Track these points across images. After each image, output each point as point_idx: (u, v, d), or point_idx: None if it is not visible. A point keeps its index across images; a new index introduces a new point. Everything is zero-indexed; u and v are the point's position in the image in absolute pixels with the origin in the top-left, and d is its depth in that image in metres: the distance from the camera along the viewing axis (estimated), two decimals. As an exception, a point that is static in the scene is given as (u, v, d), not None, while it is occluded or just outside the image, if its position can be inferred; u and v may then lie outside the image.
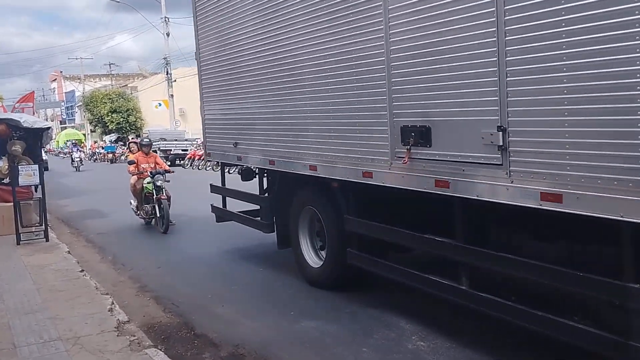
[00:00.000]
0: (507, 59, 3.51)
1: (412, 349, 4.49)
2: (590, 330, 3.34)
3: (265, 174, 7.24)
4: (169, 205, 10.20)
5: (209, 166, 24.80)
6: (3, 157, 10.22)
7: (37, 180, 9.10)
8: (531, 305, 3.70)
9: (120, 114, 48.00)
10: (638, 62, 2.86)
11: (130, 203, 11.20)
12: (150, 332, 5.15)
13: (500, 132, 3.59)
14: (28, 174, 8.93)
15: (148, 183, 10.41)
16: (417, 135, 4.28)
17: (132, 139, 24.35)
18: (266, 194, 7.17)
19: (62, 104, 64.64)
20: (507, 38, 3.50)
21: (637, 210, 2.92)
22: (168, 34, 37.55)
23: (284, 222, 6.75)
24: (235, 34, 6.89)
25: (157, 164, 10.94)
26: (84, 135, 55.35)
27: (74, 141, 44.34)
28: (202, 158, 25.92)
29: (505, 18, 3.50)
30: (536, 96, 3.37)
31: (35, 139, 9.74)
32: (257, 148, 6.75)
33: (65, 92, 65.92)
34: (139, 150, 11.49)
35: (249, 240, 8.48)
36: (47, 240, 9.05)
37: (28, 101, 17.49)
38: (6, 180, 9.92)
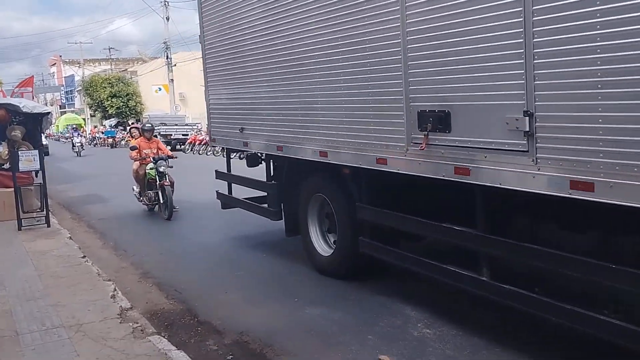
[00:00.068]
0: (535, 40, 3.32)
1: (418, 336, 4.46)
2: (621, 325, 3.20)
3: (272, 160, 7.07)
4: (172, 190, 10.08)
5: (210, 151, 24.75)
6: (3, 143, 10.16)
7: (38, 166, 9.06)
8: (556, 297, 3.57)
9: (120, 99, 47.81)
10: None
11: (133, 189, 11.08)
12: (154, 319, 5.12)
13: (527, 117, 3.42)
14: (28, 160, 8.88)
15: (151, 169, 10.29)
16: (436, 121, 4.11)
17: (133, 123, 24.27)
18: (273, 181, 7.02)
19: (62, 88, 64.31)
20: (534, 18, 3.31)
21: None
22: (168, 18, 37.37)
23: (292, 210, 6.61)
24: (241, 16, 6.68)
25: (160, 149, 10.78)
26: (84, 120, 55.16)
27: (74, 126, 44.19)
28: (202, 143, 25.88)
29: (533, -7, 3.29)
30: (566, 79, 3.19)
31: (35, 124, 9.67)
32: (264, 133, 6.59)
33: (65, 77, 65.59)
34: (140, 136, 11.31)
35: (252, 227, 8.41)
36: (49, 225, 9.03)
37: (27, 86, 17.38)
38: (6, 166, 9.88)
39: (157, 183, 10.09)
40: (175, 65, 38.65)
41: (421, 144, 4.22)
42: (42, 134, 11.63)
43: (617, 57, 2.94)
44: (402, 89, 4.42)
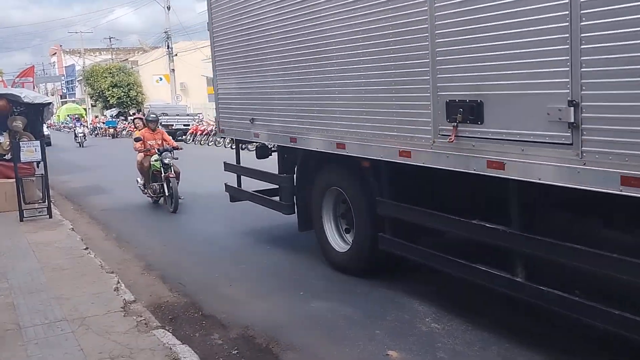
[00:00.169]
0: (583, 23, 3.07)
1: (427, 331, 4.39)
2: None
3: (284, 152, 6.78)
4: (178, 181, 9.91)
5: (212, 141, 24.66)
6: (4, 133, 10.10)
7: (39, 157, 8.99)
8: (598, 300, 3.37)
9: (121, 89, 47.67)
10: None
11: (137, 181, 10.89)
12: (157, 313, 5.07)
13: (572, 108, 3.18)
14: (30, 150, 8.82)
15: (156, 161, 10.07)
16: (467, 111, 3.85)
17: (134, 114, 24.12)
18: (285, 174, 6.75)
19: (62, 78, 64.14)
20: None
21: None
22: (169, 8, 37.14)
23: (305, 203, 6.38)
24: (254, 1, 6.42)
25: (165, 140, 10.54)
26: (85, 110, 55.03)
27: (76, 116, 44.05)
28: (204, 133, 25.78)
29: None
30: (618, 66, 2.94)
31: (36, 114, 9.60)
32: (276, 124, 6.34)
33: (65, 67, 65.36)
34: (144, 127, 11.07)
35: (256, 220, 8.31)
36: (51, 217, 8.98)
37: (28, 76, 17.28)
38: (8, 157, 9.81)
39: (162, 175, 9.89)
40: (176, 55, 38.47)
41: (450, 136, 3.97)
42: (44, 124, 11.56)
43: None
44: (428, 77, 4.16)
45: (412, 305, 4.88)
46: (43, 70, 65.30)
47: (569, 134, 3.25)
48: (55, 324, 4.60)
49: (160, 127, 20.31)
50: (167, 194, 9.88)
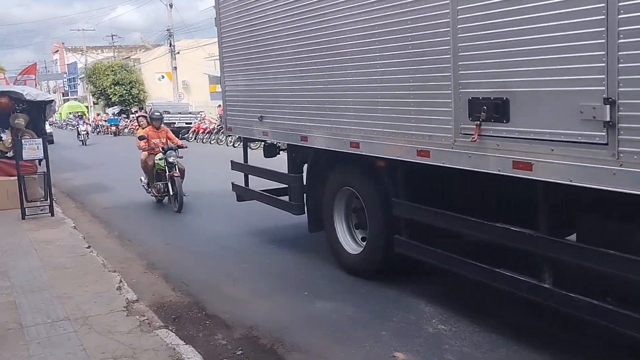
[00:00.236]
0: (621, 16, 2.91)
1: (434, 332, 4.33)
2: None
3: (294, 151, 6.60)
4: (183, 178, 9.77)
5: (214, 139, 24.63)
6: (6, 131, 10.08)
7: (42, 154, 8.98)
8: (632, 308, 3.21)
9: (123, 87, 47.65)
10: None
11: (141, 180, 10.73)
12: (160, 312, 5.03)
13: (607, 105, 3.01)
14: (32, 148, 8.81)
15: (160, 159, 9.92)
16: (491, 109, 3.68)
17: (136, 112, 24.08)
18: (294, 173, 6.57)
19: (65, 75, 64.11)
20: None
21: None
22: (171, 5, 37.13)
23: (316, 204, 6.21)
24: None
25: (169, 138, 10.38)
26: (87, 107, 55.03)
27: (80, 114, 44.03)
28: (206, 131, 25.74)
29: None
30: None
31: (38, 111, 9.58)
32: (286, 122, 6.16)
33: (68, 64, 65.38)
34: (148, 125, 10.91)
35: (259, 218, 8.25)
36: (53, 215, 8.95)
37: (30, 73, 17.21)
38: (10, 154, 9.77)
39: (167, 174, 9.74)
40: (178, 52, 38.42)
41: (472, 135, 3.80)
42: (46, 122, 11.53)
43: None
44: (449, 73, 3.98)
45: (418, 306, 4.82)
46: (45, 67, 65.41)
47: (604, 134, 3.08)
48: (57, 323, 4.56)
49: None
50: (171, 194, 9.74)
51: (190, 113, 31.89)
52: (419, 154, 4.38)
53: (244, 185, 7.60)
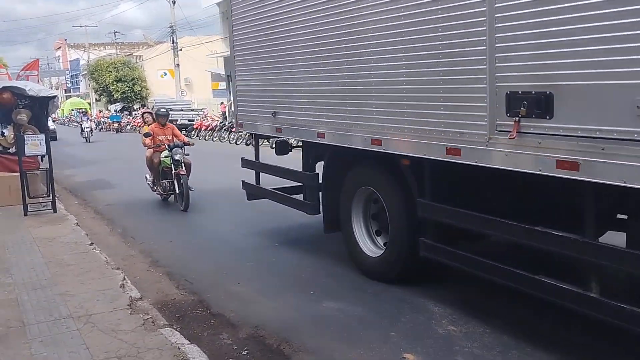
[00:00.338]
0: None
1: (444, 334, 4.23)
2: None
3: (308, 149, 6.37)
4: (189, 174, 9.58)
5: (216, 137, 24.61)
6: (8, 126, 10.01)
7: (44, 150, 8.90)
8: None
9: (126, 83, 47.69)
10: None
11: (146, 178, 10.55)
12: (164, 310, 4.95)
13: None
14: (34, 144, 8.73)
15: (166, 157, 9.70)
16: (532, 104, 3.43)
17: (138, 109, 24.01)
18: (309, 171, 6.35)
19: (67, 72, 64.16)
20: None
21: None
22: (174, 2, 37.08)
23: (332, 203, 5.95)
24: None
25: (175, 135, 10.14)
26: (89, 104, 55.05)
27: (83, 110, 44.02)
28: (209, 129, 25.70)
29: None
30: None
31: (41, 107, 9.51)
32: (302, 118, 5.92)
33: (70, 61, 65.45)
34: (154, 122, 10.65)
35: (264, 217, 8.16)
36: (55, 211, 8.88)
37: (33, 69, 17.12)
38: (12, 150, 9.71)
39: (173, 172, 9.54)
40: (181, 50, 38.37)
41: (510, 132, 3.55)
42: (49, 118, 11.47)
43: None
44: (485, 66, 3.72)
45: (427, 307, 4.73)
46: (47, 64, 65.32)
47: None
48: (60, 321, 4.50)
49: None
50: (177, 192, 9.54)
51: (192, 110, 31.88)
52: (449, 152, 4.13)
53: (255, 184, 7.38)
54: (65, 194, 11.57)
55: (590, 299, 3.42)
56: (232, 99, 31.99)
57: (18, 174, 8.93)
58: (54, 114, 29.27)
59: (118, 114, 40.71)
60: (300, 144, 6.77)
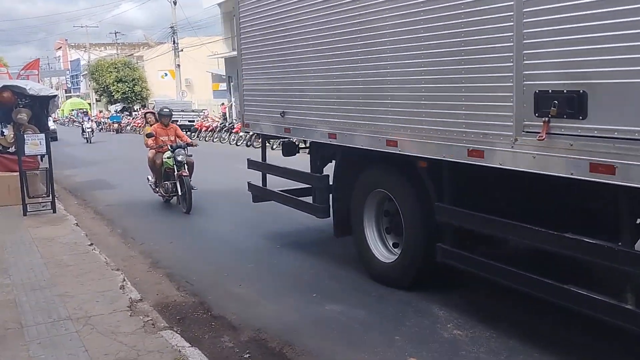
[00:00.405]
0: None
1: (449, 338, 4.17)
2: None
3: (317, 149, 6.23)
4: (191, 173, 9.43)
5: (216, 138, 24.56)
6: (8, 126, 9.96)
7: (44, 150, 8.84)
8: None
9: (126, 84, 47.67)
10: None
11: (148, 179, 10.39)
12: (165, 312, 4.90)
13: None
14: (34, 143, 8.68)
15: (168, 158, 9.55)
16: (564, 103, 3.25)
17: (139, 109, 23.94)
18: (319, 173, 6.20)
19: (67, 72, 64.16)
20: None
21: None
22: (175, 2, 37.05)
23: (343, 206, 5.75)
24: None
25: (178, 136, 9.99)
26: (89, 104, 55.02)
27: (84, 110, 43.97)
28: (209, 129, 25.65)
29: None
30: None
31: (41, 107, 9.46)
32: (312, 118, 5.74)
33: (71, 61, 65.46)
34: (157, 122, 10.53)
35: (265, 218, 8.10)
36: (54, 211, 8.84)
37: (33, 68, 17.07)
38: (12, 149, 9.65)
39: (175, 173, 9.38)
40: (182, 50, 38.32)
41: (539, 133, 3.38)
42: (49, 117, 11.41)
43: None
44: (511, 63, 3.54)
45: (431, 310, 4.66)
46: (48, 64, 65.34)
47: None
48: (58, 323, 4.44)
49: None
50: (179, 194, 9.39)
51: (193, 111, 31.85)
52: (470, 154, 3.93)
53: (261, 185, 7.21)
54: (65, 194, 11.52)
55: (626, 310, 3.23)
56: (232, 99, 32.01)
57: (17, 173, 8.88)
58: (54, 114, 29.25)
59: (118, 115, 40.69)
60: (304, 145, 6.70)
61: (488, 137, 3.79)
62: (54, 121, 28.75)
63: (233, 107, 31.96)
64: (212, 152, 18.23)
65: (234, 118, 28.67)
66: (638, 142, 2.94)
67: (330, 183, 5.97)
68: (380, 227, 5.45)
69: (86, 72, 55.41)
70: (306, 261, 6.22)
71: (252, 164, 7.38)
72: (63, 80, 68.91)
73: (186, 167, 9.36)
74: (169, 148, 9.60)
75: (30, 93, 9.20)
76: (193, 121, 28.86)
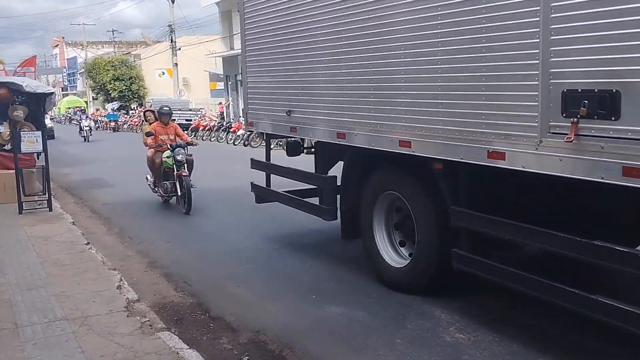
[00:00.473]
0: None
1: (451, 341, 4.11)
2: None
3: (324, 150, 6.09)
4: (191, 171, 9.30)
5: (214, 137, 24.50)
6: (4, 123, 9.86)
7: (40, 148, 8.78)
8: None
9: (123, 82, 47.54)
10: None
11: (147, 179, 10.21)
12: (162, 313, 4.84)
13: None
14: (31, 141, 8.63)
15: (168, 157, 9.39)
16: (594, 103, 3.09)
17: (136, 108, 23.83)
18: (325, 173, 6.04)
19: (64, 70, 63.86)
20: None
21: None
22: (173, 1, 36.92)
23: (351, 209, 5.58)
24: None
25: (178, 135, 9.82)
26: (86, 102, 54.84)
27: (82, 108, 43.78)
28: (206, 128, 25.57)
29: None
30: None
31: (38, 104, 9.36)
32: (319, 117, 5.59)
33: (67, 59, 65.17)
34: (156, 120, 10.33)
35: (264, 218, 8.05)
36: (51, 210, 8.77)
37: (30, 66, 16.99)
38: (8, 147, 9.56)
39: (175, 173, 9.23)
40: (179, 49, 38.22)
41: (567, 134, 3.21)
42: (46, 115, 11.32)
43: None
44: (537, 61, 3.36)
45: (433, 313, 4.60)
46: (45, 62, 65.01)
47: None
48: (54, 323, 4.39)
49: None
50: (179, 194, 9.23)
51: (190, 110, 31.78)
52: (490, 155, 3.77)
53: (265, 186, 7.03)
54: (61, 192, 11.42)
55: None
56: (230, 99, 31.89)
57: (13, 171, 8.80)
58: (50, 111, 29.10)
59: (115, 113, 40.53)
60: (308, 144, 6.62)
61: (510, 138, 3.63)
62: (50, 119, 28.55)
63: (230, 106, 31.90)
64: (210, 152, 18.14)
65: (231, 117, 28.62)
66: None
67: (338, 184, 5.85)
68: (390, 230, 5.30)
69: (83, 70, 55.22)
70: (306, 262, 6.16)
71: (255, 164, 7.21)
72: (60, 78, 68.61)
73: (186, 166, 9.23)
74: (169, 147, 9.46)
75: (26, 90, 9.09)
76: (190, 120, 28.80)
